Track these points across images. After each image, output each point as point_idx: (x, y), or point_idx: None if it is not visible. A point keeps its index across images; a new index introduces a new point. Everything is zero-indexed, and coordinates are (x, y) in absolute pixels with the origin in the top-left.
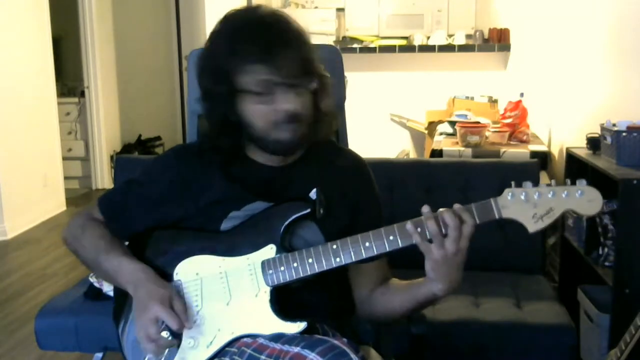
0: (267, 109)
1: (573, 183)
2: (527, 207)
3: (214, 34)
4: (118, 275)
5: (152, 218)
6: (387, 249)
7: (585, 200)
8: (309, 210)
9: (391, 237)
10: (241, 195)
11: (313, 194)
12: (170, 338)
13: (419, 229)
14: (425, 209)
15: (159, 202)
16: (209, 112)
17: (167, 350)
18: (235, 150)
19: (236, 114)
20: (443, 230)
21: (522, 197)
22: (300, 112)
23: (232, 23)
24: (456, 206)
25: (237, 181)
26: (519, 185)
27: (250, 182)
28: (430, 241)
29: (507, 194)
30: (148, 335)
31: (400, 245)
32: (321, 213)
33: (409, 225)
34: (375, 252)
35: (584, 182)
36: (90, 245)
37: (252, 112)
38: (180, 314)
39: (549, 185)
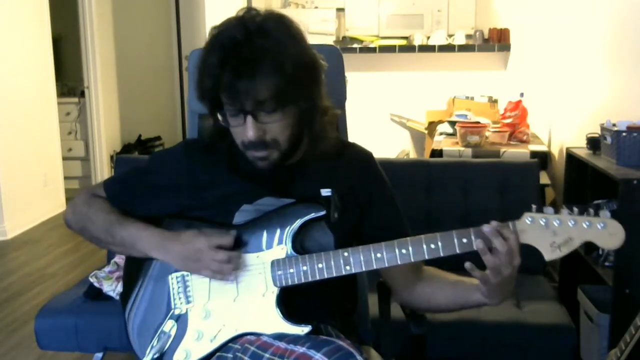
0: (238, 132)
1: (596, 213)
2: (546, 233)
3: (204, 50)
4: (137, 241)
5: (157, 207)
6: (399, 262)
7: (607, 233)
8: (324, 212)
9: (404, 251)
10: (251, 191)
11: (325, 192)
12: (176, 327)
13: (432, 245)
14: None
15: (165, 192)
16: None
17: (169, 341)
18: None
19: (225, 126)
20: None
21: (542, 223)
22: (265, 139)
23: (214, 44)
24: (494, 224)
25: (246, 177)
26: (539, 209)
27: (260, 178)
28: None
29: (527, 217)
30: (219, 261)
31: (412, 260)
32: (335, 217)
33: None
34: (386, 264)
35: (607, 213)
36: (101, 219)
37: (231, 130)
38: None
39: (570, 212)
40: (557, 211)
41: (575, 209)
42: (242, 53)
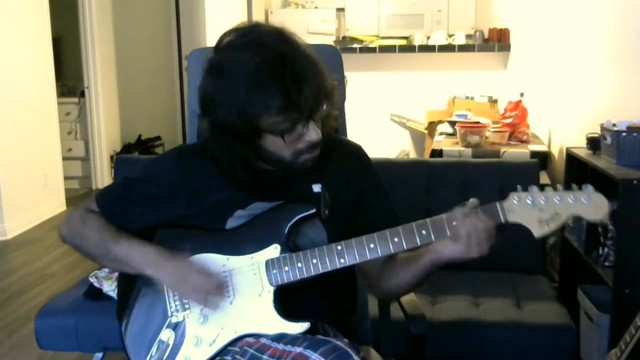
0: (292, 142)
1: (580, 187)
2: (533, 211)
3: (230, 68)
4: (131, 259)
5: (151, 216)
6: (392, 251)
7: (592, 205)
8: (314, 210)
9: (396, 239)
10: (245, 198)
11: (317, 187)
12: (174, 335)
13: (423, 232)
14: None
15: (159, 201)
16: (223, 146)
17: (168, 350)
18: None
19: (257, 149)
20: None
21: (529, 201)
22: (321, 136)
23: (252, 62)
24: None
25: (239, 183)
26: (524, 188)
27: (255, 186)
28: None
29: (513, 197)
30: (205, 288)
31: (405, 247)
32: (326, 214)
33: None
34: (380, 254)
35: (590, 187)
36: (95, 236)
37: (277, 147)
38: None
39: (555, 189)
40: (542, 189)
41: (560, 186)
42: (292, 71)
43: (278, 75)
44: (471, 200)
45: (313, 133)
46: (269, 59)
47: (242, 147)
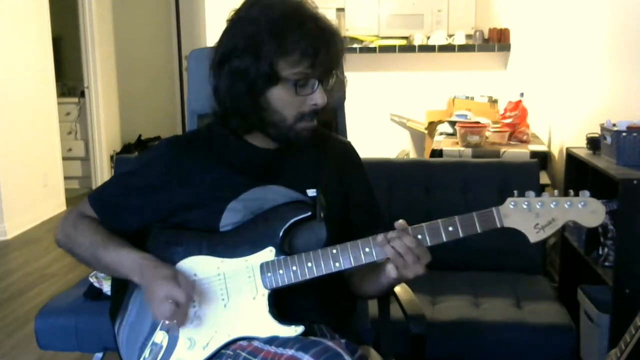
0: (299, 100)
1: (576, 193)
2: (529, 216)
3: (258, 18)
4: (120, 266)
5: (147, 209)
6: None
7: (588, 211)
8: (309, 213)
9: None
10: (237, 182)
11: (312, 192)
12: (167, 337)
13: (419, 236)
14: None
15: (153, 192)
16: (235, 91)
17: (161, 352)
18: (240, 134)
19: (265, 98)
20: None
21: (525, 207)
22: (325, 105)
23: (280, 10)
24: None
25: (232, 167)
26: (521, 193)
27: (247, 167)
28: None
29: (510, 202)
30: (163, 315)
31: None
32: (322, 216)
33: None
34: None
35: (587, 193)
36: (86, 241)
37: (283, 100)
38: (185, 287)
39: (551, 195)
40: (541, 191)
41: (557, 192)
42: (317, 25)
43: (305, 26)
44: (397, 222)
45: (320, 96)
46: (297, 13)
47: (253, 97)
